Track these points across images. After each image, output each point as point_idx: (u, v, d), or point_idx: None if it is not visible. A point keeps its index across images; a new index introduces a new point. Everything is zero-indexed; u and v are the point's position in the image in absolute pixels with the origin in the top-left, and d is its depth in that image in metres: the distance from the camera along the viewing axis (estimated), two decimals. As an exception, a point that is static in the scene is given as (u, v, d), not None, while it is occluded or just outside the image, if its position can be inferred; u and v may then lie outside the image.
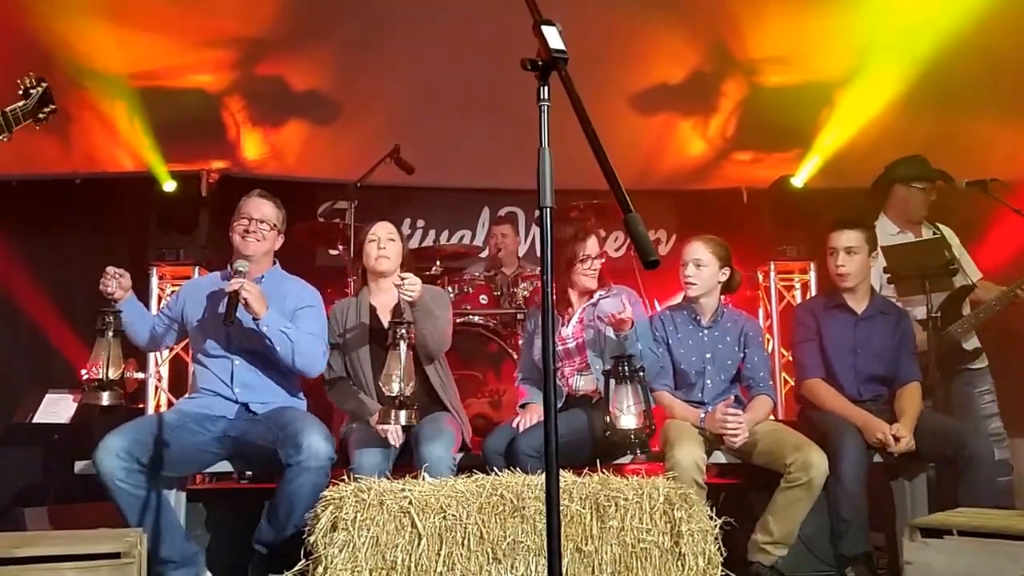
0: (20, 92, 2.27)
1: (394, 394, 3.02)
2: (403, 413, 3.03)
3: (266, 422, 3.22)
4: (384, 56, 5.22)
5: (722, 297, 3.73)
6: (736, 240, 3.87)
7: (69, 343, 5.53)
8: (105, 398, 3.12)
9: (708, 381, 3.62)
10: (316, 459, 2.96)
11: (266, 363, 3.32)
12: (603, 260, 3.67)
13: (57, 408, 4.97)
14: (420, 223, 6.25)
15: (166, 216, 5.29)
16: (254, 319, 3.13)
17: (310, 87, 5.46)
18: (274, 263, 3.48)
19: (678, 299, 3.88)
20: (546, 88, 1.70)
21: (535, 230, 6.30)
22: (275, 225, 3.39)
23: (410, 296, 3.18)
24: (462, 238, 6.28)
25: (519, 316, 4.56)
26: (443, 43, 5.06)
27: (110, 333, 3.15)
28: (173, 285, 5.36)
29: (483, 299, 4.66)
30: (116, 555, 2.18)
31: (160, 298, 5.36)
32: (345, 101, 5.61)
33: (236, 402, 3.30)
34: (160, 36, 4.86)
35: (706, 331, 3.67)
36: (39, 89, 2.29)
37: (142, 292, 4.65)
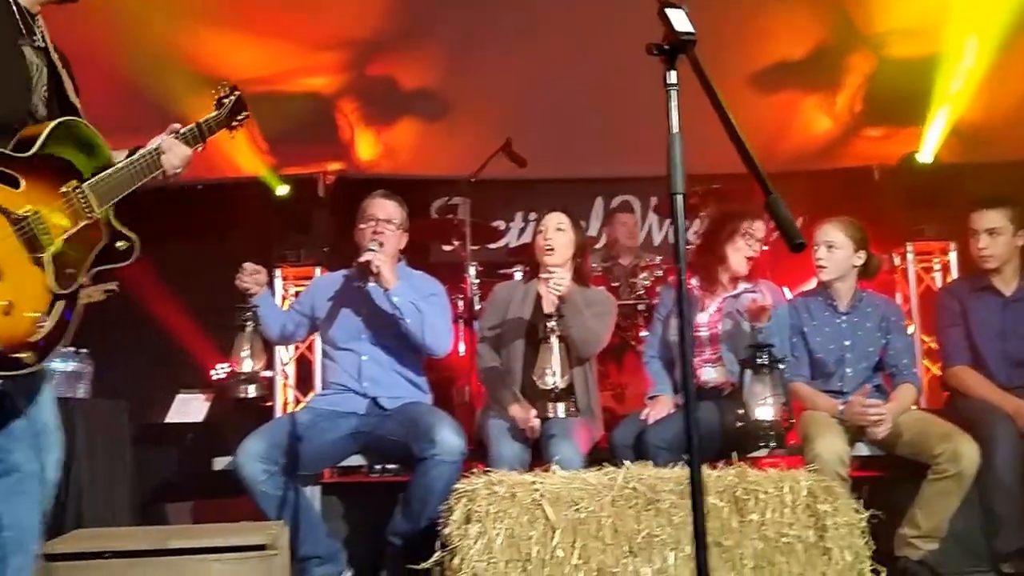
0: (214, 102, 2.33)
1: (548, 387, 3.00)
2: (560, 406, 3.02)
3: (396, 417, 3.25)
4: (492, 49, 5.24)
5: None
6: (869, 221, 3.67)
7: (198, 345, 5.73)
8: (252, 390, 3.23)
9: (848, 370, 3.45)
10: (450, 453, 2.97)
11: (394, 358, 3.35)
12: (765, 248, 3.54)
13: (188, 408, 5.17)
14: (532, 216, 6.17)
15: (286, 219, 5.43)
16: (385, 291, 3.17)
17: (420, 85, 5.53)
18: (400, 259, 3.50)
19: (811, 285, 3.71)
20: (674, 72, 1.67)
21: (651, 218, 6.16)
22: (400, 224, 3.42)
23: (556, 291, 3.13)
24: (575, 229, 6.20)
25: (639, 307, 4.45)
26: (551, 32, 5.03)
27: (250, 327, 3.23)
28: (296, 285, 5.48)
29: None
30: (261, 547, 2.22)
31: (284, 298, 5.50)
32: (455, 97, 5.65)
33: (365, 396, 3.33)
34: (275, 41, 5.00)
35: (844, 317, 3.49)
36: (232, 98, 2.36)
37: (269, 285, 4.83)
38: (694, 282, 3.56)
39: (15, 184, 1.75)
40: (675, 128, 1.67)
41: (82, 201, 1.88)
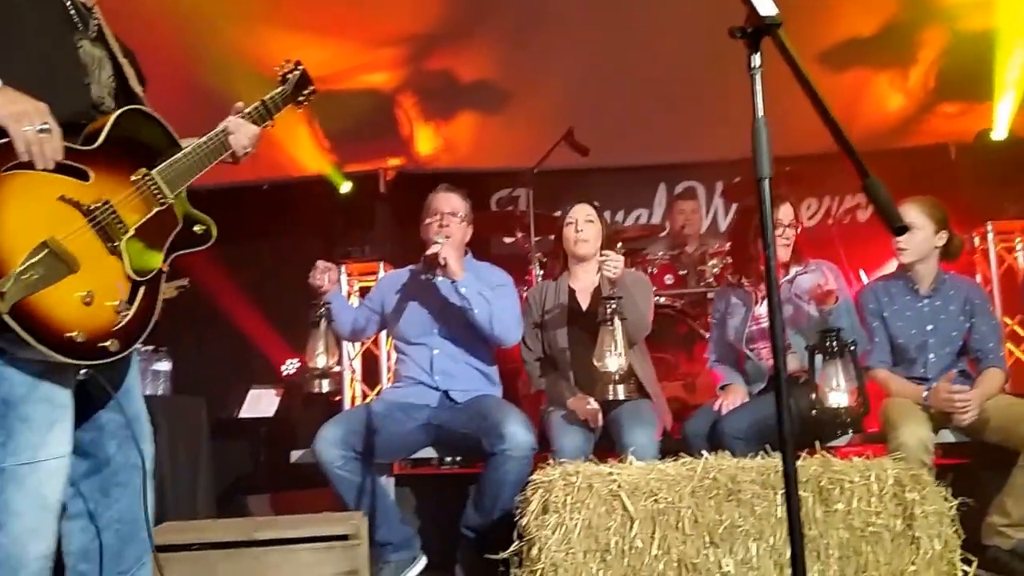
0: (279, 79, 2.32)
1: (610, 370, 2.98)
2: (621, 388, 2.99)
3: (467, 411, 3.26)
4: (549, 38, 5.20)
5: None
6: (947, 200, 3.55)
7: (268, 341, 5.84)
8: (325, 385, 3.27)
9: (931, 355, 3.34)
10: (519, 448, 2.97)
11: (465, 350, 3.36)
12: (797, 230, 3.46)
13: (260, 403, 5.26)
14: (594, 204, 6.12)
15: (349, 216, 5.48)
16: (452, 282, 3.18)
17: (478, 77, 5.52)
18: (466, 253, 3.51)
19: (890, 268, 3.60)
20: (758, 55, 1.65)
21: (716, 204, 6.07)
22: (464, 216, 3.43)
23: (613, 273, 3.12)
24: (638, 217, 6.12)
25: (709, 295, 4.38)
26: (609, 19, 4.97)
27: (324, 323, 3.28)
28: (361, 281, 5.54)
29: (668, 279, 4.51)
30: (344, 537, 2.24)
31: (349, 294, 5.56)
32: (513, 88, 5.63)
33: (437, 390, 3.35)
34: (335, 40, 5.03)
35: (925, 301, 3.38)
36: (296, 73, 2.35)
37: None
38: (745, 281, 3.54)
39: (85, 177, 1.76)
40: (760, 111, 1.65)
41: (152, 187, 1.88)
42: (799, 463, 2.56)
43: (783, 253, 3.43)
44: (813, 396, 3.13)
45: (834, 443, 3.26)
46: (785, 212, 3.42)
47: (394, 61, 5.33)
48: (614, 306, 3.01)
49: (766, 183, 1.65)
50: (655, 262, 4.59)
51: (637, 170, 6.11)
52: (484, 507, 3.06)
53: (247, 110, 2.16)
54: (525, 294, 3.69)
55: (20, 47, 1.76)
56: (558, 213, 5.63)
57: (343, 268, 5.50)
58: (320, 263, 3.36)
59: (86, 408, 1.88)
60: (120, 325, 1.74)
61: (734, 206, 5.91)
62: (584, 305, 3.46)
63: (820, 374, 3.14)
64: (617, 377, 2.98)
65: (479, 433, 3.09)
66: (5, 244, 1.61)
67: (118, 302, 1.75)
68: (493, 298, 3.23)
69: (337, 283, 3.44)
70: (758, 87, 1.65)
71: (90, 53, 1.90)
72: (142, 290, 1.80)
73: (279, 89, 2.29)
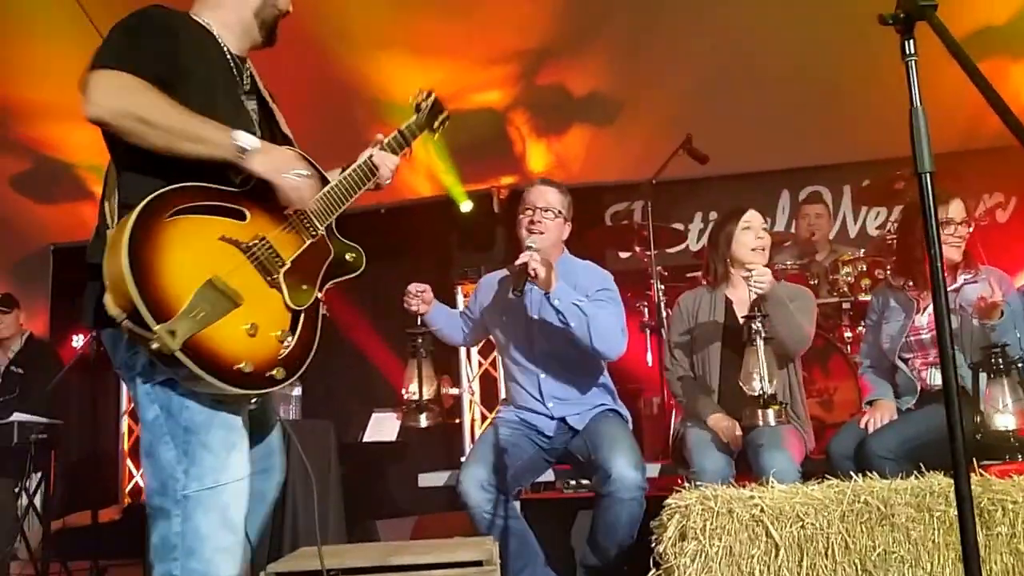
0: (413, 108, 2.41)
1: (756, 393, 2.84)
2: (770, 412, 2.84)
3: (584, 435, 3.15)
4: (661, 47, 5.11)
5: None
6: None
7: (389, 365, 5.92)
8: (423, 420, 3.20)
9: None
10: (627, 490, 2.87)
11: (572, 367, 3.22)
12: (971, 229, 3.21)
13: (383, 427, 5.32)
14: (713, 214, 5.94)
15: (465, 236, 5.52)
16: (545, 294, 2.98)
17: (590, 90, 5.48)
18: (563, 251, 3.32)
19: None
20: (911, 42, 1.60)
21: (844, 208, 5.79)
22: (560, 212, 3.21)
23: (761, 288, 2.95)
24: (760, 226, 5.91)
25: (843, 305, 4.15)
26: (721, 24, 4.85)
27: (421, 354, 3.21)
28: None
29: (799, 289, 4.31)
30: (479, 563, 2.21)
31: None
32: (625, 98, 5.55)
33: (552, 418, 3.23)
34: (448, 60, 5.09)
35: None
36: (429, 101, 2.43)
37: (452, 306, 4.89)
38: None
39: (242, 217, 1.86)
40: (917, 102, 1.58)
41: (304, 221, 1.97)
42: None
43: (954, 254, 3.17)
44: (977, 419, 2.92)
45: (988, 462, 3.03)
46: (956, 209, 3.17)
47: (506, 78, 5.34)
48: (758, 325, 2.86)
49: (927, 178, 1.57)
50: (784, 272, 4.38)
51: (758, 176, 5.89)
52: (600, 549, 2.96)
53: (386, 141, 2.25)
54: (679, 298, 3.50)
55: (214, 109, 1.87)
56: (675, 225, 5.54)
57: (459, 289, 5.53)
58: (411, 287, 3.25)
59: None
60: (284, 354, 1.83)
61: (863, 210, 5.64)
62: (741, 319, 3.27)
63: (985, 394, 2.92)
64: (762, 401, 2.83)
65: (591, 467, 3.01)
66: (174, 286, 1.70)
67: (280, 332, 1.84)
68: (591, 308, 3.01)
69: (434, 301, 3.30)
70: (913, 76, 1.59)
71: (248, 104, 2.03)
72: (302, 319, 1.89)
73: (414, 118, 2.37)
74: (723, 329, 3.26)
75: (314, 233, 1.98)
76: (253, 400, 1.83)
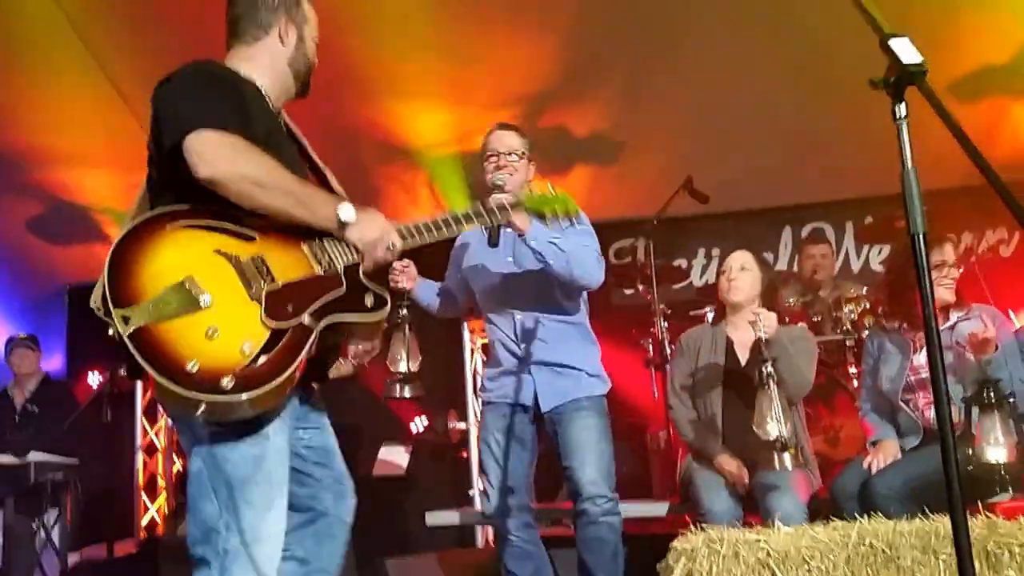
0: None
1: (771, 437, 2.87)
2: (786, 456, 2.87)
3: (559, 435, 3.05)
4: (662, 87, 5.18)
5: None
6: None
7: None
8: (407, 390, 3.17)
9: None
10: (598, 508, 2.89)
11: (550, 310, 3.07)
12: (960, 270, 3.28)
13: (391, 460, 5.34)
14: (716, 251, 5.99)
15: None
16: (520, 236, 2.83)
17: (592, 130, 5.55)
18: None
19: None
20: (903, 105, 1.60)
21: (847, 244, 5.81)
22: (524, 154, 3.10)
23: (766, 333, 2.99)
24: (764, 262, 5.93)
25: (847, 342, 4.19)
26: (721, 63, 4.92)
27: (406, 327, 3.17)
28: (481, 338, 5.58)
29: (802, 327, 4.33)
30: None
31: (473, 351, 5.58)
32: (627, 139, 5.62)
33: (524, 362, 3.06)
34: (454, 105, 5.19)
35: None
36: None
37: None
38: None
39: (249, 239, 1.85)
40: (909, 163, 1.58)
41: (319, 254, 1.91)
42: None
43: (947, 295, 3.24)
44: (970, 451, 2.96)
45: (995, 499, 3.06)
46: (947, 252, 3.25)
47: (510, 120, 5.41)
48: (770, 369, 2.90)
49: (920, 238, 1.58)
50: (787, 310, 4.43)
51: (760, 213, 5.93)
52: None
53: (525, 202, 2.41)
54: (681, 336, 3.56)
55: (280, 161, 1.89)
56: (678, 262, 5.58)
57: (464, 325, 5.55)
58: (396, 264, 3.06)
59: (303, 467, 2.00)
60: (243, 366, 1.72)
61: (866, 246, 5.67)
62: (743, 360, 3.33)
63: (977, 427, 2.97)
64: (779, 445, 2.86)
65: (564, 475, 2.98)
66: (148, 280, 1.72)
67: (247, 344, 1.74)
68: (567, 244, 2.88)
69: (416, 278, 3.19)
70: (905, 137, 1.60)
71: (290, 149, 2.05)
72: (283, 342, 1.77)
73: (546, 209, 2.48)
74: (724, 371, 3.31)
75: (328, 267, 1.90)
76: (200, 410, 1.70)
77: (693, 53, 4.94)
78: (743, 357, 3.33)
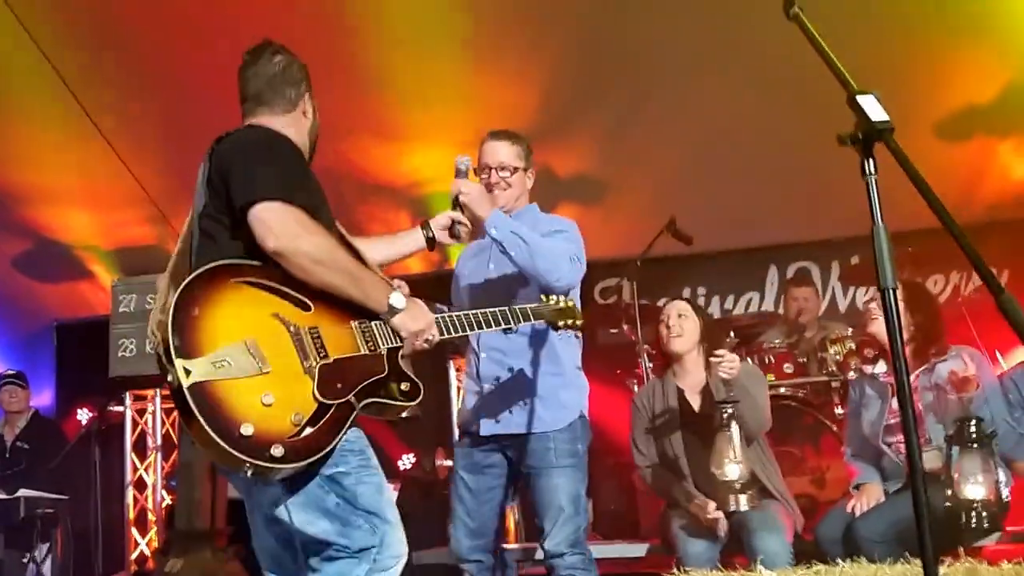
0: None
1: (729, 479, 2.87)
2: (743, 498, 2.86)
3: (529, 480, 2.82)
4: (646, 128, 5.22)
5: None
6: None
7: (383, 436, 5.86)
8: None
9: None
10: (564, 567, 2.72)
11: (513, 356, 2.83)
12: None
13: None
14: (701, 291, 5.95)
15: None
16: (480, 221, 2.56)
17: (576, 170, 5.57)
18: (531, 203, 3.01)
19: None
20: (870, 161, 1.59)
21: (833, 283, 5.79)
22: (518, 167, 2.90)
23: (729, 374, 2.98)
24: (750, 301, 5.89)
25: (833, 384, 4.17)
26: (707, 102, 4.96)
27: None
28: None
29: (787, 368, 4.31)
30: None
31: (459, 389, 5.54)
32: (611, 179, 5.65)
33: (498, 446, 2.84)
34: (437, 145, 5.20)
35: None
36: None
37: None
38: (881, 368, 3.38)
39: (306, 308, 1.91)
40: (879, 219, 1.57)
41: (367, 334, 1.97)
42: (943, 570, 2.36)
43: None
44: (948, 491, 2.95)
45: (981, 543, 3.03)
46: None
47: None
48: (731, 411, 2.91)
49: (890, 294, 1.57)
50: (772, 351, 4.41)
51: (745, 253, 5.93)
52: None
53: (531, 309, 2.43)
54: (633, 397, 3.56)
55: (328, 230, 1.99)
56: (663, 302, 5.56)
57: (451, 362, 5.49)
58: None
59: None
60: (292, 437, 1.79)
61: (851, 289, 5.65)
62: (696, 405, 3.34)
63: (956, 465, 2.95)
64: (738, 486, 2.87)
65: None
66: (209, 334, 1.79)
67: (297, 415, 1.80)
68: (532, 236, 2.61)
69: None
70: (874, 193, 1.59)
71: (329, 216, 2.10)
72: (328, 417, 1.84)
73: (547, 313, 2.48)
74: (680, 416, 3.32)
75: (373, 348, 1.97)
76: (247, 468, 1.76)
77: (677, 94, 5.00)
78: (696, 403, 3.34)
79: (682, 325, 3.36)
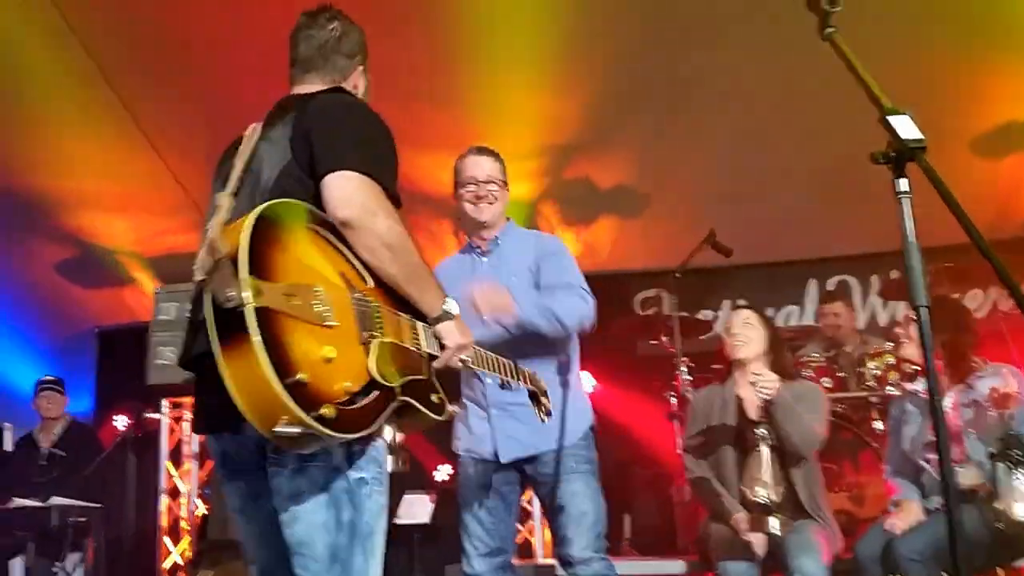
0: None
1: (759, 501, 2.85)
2: (772, 520, 2.85)
3: (546, 488, 2.80)
4: (686, 140, 5.23)
5: None
6: None
7: (419, 447, 5.92)
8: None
9: None
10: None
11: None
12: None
13: (414, 509, 5.31)
14: (741, 303, 5.94)
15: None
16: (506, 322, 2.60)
17: (617, 182, 5.61)
18: (508, 221, 2.98)
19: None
20: (904, 180, 1.58)
21: (873, 298, 5.76)
22: (503, 181, 2.92)
23: (767, 395, 2.98)
24: (789, 315, 5.88)
25: (872, 399, 4.13)
26: (747, 113, 4.96)
27: None
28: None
29: (827, 383, 4.26)
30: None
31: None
32: (651, 191, 5.67)
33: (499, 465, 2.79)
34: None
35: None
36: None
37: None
38: (921, 384, 3.33)
39: (365, 281, 1.79)
40: (911, 237, 1.57)
41: (414, 331, 1.85)
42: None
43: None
44: (998, 509, 2.89)
45: (1021, 563, 2.99)
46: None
47: (535, 172, 5.50)
48: (763, 432, 2.90)
49: (924, 312, 1.57)
50: (811, 364, 4.38)
51: (785, 266, 5.91)
52: None
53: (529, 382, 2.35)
54: (689, 402, 3.54)
55: None
56: (702, 313, 5.56)
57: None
58: None
59: None
60: (342, 403, 1.60)
61: (891, 304, 5.60)
62: (756, 417, 3.28)
63: (1003, 485, 2.89)
64: (768, 507, 2.88)
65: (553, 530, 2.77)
66: (282, 265, 1.63)
67: (349, 383, 1.63)
68: (548, 299, 2.68)
69: None
70: (907, 212, 1.58)
71: None
72: (375, 395, 1.67)
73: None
74: (735, 431, 3.27)
75: (417, 347, 1.84)
76: (281, 426, 1.53)
77: (717, 105, 4.99)
78: (753, 414, 3.30)
79: (747, 333, 3.31)
